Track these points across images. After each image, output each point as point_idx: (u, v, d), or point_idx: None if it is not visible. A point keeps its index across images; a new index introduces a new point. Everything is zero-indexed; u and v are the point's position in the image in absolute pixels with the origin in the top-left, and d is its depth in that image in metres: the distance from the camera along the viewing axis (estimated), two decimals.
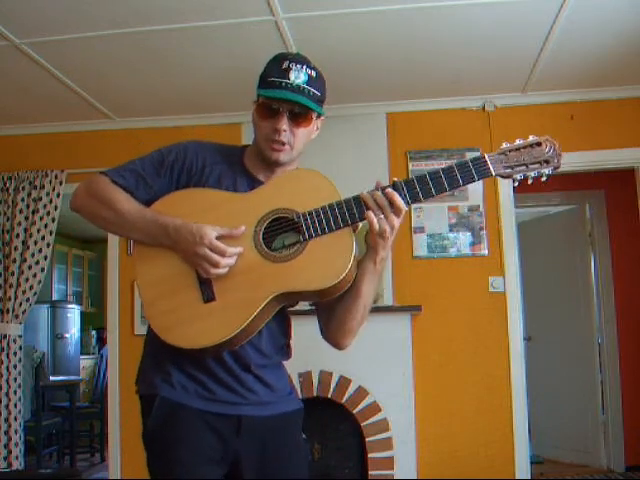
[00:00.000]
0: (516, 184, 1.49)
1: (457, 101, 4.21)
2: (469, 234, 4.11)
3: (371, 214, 1.45)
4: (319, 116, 1.61)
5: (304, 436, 1.70)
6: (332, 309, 1.60)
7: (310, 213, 1.48)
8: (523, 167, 1.46)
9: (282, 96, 1.52)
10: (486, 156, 1.46)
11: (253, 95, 1.61)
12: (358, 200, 1.47)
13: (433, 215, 4.13)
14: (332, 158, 4.00)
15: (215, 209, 1.53)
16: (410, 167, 4.18)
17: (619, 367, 4.99)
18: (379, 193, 1.46)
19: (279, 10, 3.06)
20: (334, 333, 1.65)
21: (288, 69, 1.53)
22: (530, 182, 1.48)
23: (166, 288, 1.51)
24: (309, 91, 1.54)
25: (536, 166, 1.46)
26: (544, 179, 1.48)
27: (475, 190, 4.12)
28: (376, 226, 1.45)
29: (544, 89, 4.09)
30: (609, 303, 5.07)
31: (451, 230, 4.12)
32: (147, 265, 1.54)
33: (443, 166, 1.47)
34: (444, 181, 1.45)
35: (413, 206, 4.13)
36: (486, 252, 4.09)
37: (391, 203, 1.45)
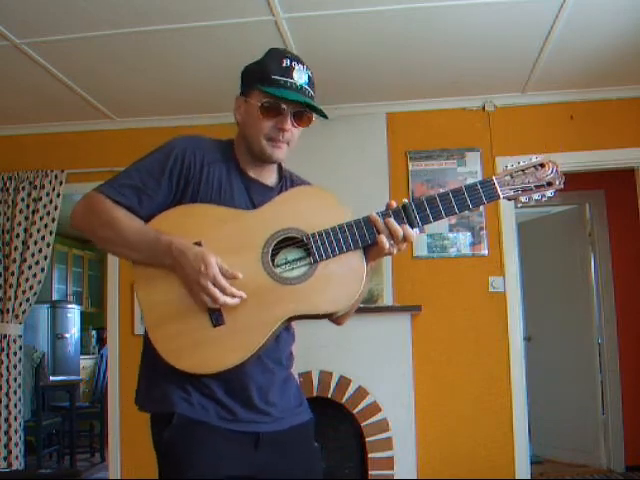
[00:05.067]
0: (519, 205, 1.54)
1: (457, 101, 4.21)
2: (469, 234, 4.11)
3: (384, 239, 1.45)
4: None
5: (316, 444, 1.70)
6: None
7: (320, 234, 1.46)
8: (528, 191, 1.51)
9: (295, 98, 1.51)
10: (494, 179, 1.49)
11: None
12: (368, 222, 1.47)
13: None
14: (332, 158, 4.00)
15: (221, 227, 1.49)
16: (410, 167, 4.18)
17: (619, 367, 4.99)
18: (392, 221, 1.46)
19: (279, 10, 3.06)
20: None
21: (290, 68, 1.53)
22: (532, 202, 1.52)
23: (171, 310, 1.46)
24: (309, 92, 1.55)
25: (540, 189, 1.51)
26: (544, 199, 1.53)
27: None
28: (387, 251, 1.46)
29: (544, 89, 4.09)
30: (609, 303, 5.06)
31: (451, 230, 4.12)
32: (149, 286, 1.50)
33: (452, 188, 1.49)
34: (454, 204, 1.47)
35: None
36: (486, 252, 4.09)
37: (404, 235, 1.46)
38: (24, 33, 3.22)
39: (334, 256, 1.46)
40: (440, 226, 4.11)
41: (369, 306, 3.94)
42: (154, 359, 1.51)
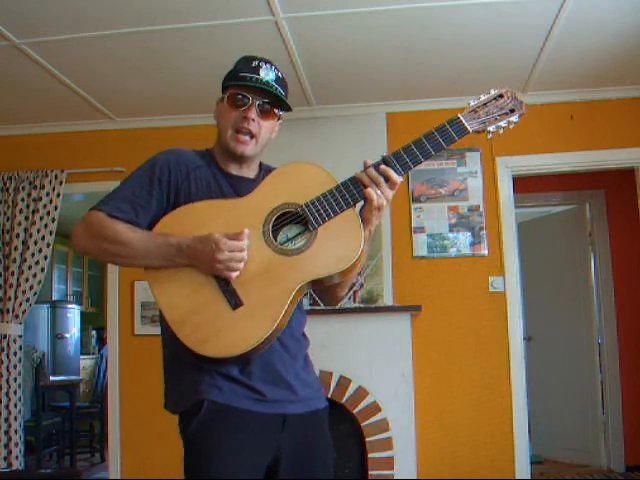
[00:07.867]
0: (490, 136, 1.62)
1: (457, 101, 4.19)
2: (469, 234, 4.11)
3: (371, 191, 1.53)
4: (279, 118, 1.70)
5: (329, 433, 1.73)
6: None
7: (313, 202, 1.54)
8: (493, 119, 1.60)
9: (255, 84, 1.60)
10: (459, 115, 1.58)
11: None
12: (354, 180, 1.56)
13: (433, 215, 4.13)
14: (332, 158, 3.98)
15: (220, 217, 1.56)
16: None
17: (619, 367, 4.99)
18: (372, 170, 1.55)
19: (279, 10, 3.06)
20: (333, 294, 1.73)
21: (258, 67, 1.64)
22: (501, 132, 1.61)
23: (191, 305, 1.51)
24: (277, 88, 1.64)
25: (504, 117, 1.61)
26: (512, 127, 1.63)
27: (475, 190, 4.12)
28: (376, 202, 1.53)
29: (544, 89, 4.09)
30: (609, 303, 5.06)
31: (451, 230, 4.12)
32: (165, 286, 1.54)
33: (423, 133, 1.57)
34: (428, 146, 1.55)
35: (413, 206, 4.14)
36: (486, 252, 4.09)
37: (387, 179, 1.54)
38: (24, 33, 3.22)
39: (329, 219, 1.53)
40: (440, 226, 4.12)
41: (369, 306, 3.94)
42: (175, 358, 1.58)
